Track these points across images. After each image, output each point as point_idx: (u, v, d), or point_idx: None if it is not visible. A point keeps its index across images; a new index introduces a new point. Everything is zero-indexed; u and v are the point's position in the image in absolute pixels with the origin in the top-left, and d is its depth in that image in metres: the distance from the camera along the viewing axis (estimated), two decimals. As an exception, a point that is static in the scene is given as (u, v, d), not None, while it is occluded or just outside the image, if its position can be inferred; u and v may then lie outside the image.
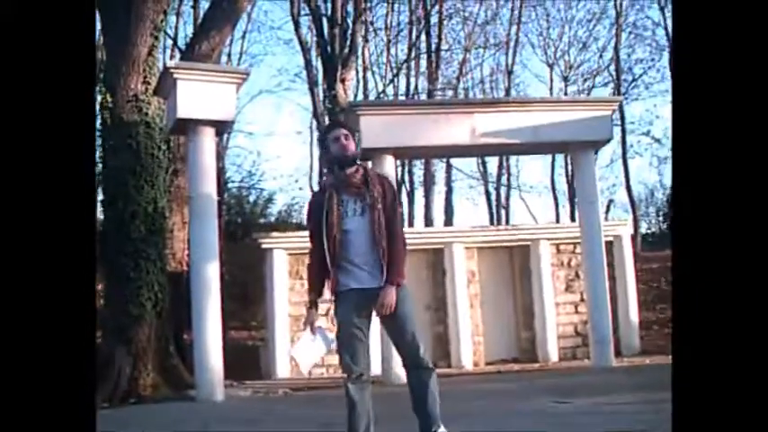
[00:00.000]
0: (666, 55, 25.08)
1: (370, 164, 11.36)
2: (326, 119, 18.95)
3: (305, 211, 24.75)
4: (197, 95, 10.22)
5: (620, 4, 25.45)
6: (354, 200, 4.42)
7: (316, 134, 22.36)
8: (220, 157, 21.99)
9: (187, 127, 10.55)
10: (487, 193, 27.08)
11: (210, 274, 10.21)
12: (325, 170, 4.86)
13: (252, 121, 47.22)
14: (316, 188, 24.87)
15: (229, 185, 23.21)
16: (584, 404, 7.18)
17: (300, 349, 4.54)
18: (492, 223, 25.37)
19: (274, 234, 15.02)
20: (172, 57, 19.83)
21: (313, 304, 4.59)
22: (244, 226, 20.65)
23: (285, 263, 14.49)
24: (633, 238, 17.94)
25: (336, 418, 6.77)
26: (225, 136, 20.74)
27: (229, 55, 23.63)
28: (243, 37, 24.86)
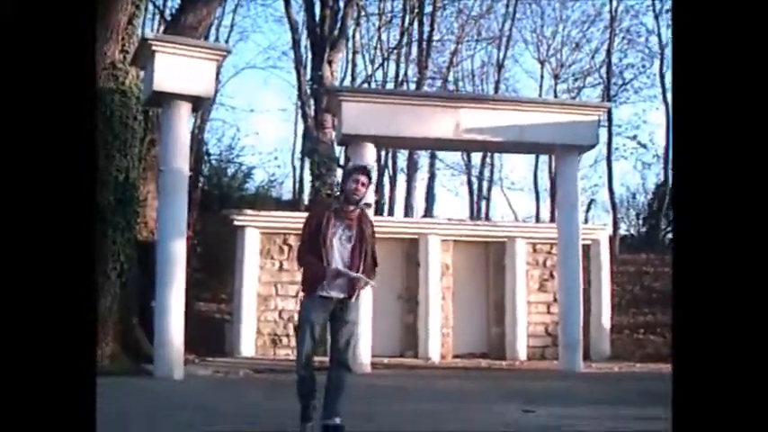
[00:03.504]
0: (657, 62, 24.97)
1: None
2: (311, 99, 18.69)
3: (284, 187, 24.66)
4: (175, 69, 10.01)
5: (615, 9, 25.27)
6: (344, 228, 5.31)
7: (299, 113, 22.08)
8: (201, 129, 21.66)
9: (163, 100, 10.34)
10: (470, 184, 26.88)
11: (177, 249, 10.02)
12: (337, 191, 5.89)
13: (235, 95, 46.78)
14: (296, 164, 24.83)
15: (209, 158, 22.89)
16: (545, 413, 7.04)
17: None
18: (472, 215, 25.24)
19: (247, 212, 14.76)
20: (159, 28, 19.46)
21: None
22: (220, 199, 20.33)
23: (257, 241, 14.26)
24: (611, 239, 17.84)
25: (281, 411, 6.57)
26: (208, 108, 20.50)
27: (218, 28, 23.28)
28: (234, 11, 24.47)
